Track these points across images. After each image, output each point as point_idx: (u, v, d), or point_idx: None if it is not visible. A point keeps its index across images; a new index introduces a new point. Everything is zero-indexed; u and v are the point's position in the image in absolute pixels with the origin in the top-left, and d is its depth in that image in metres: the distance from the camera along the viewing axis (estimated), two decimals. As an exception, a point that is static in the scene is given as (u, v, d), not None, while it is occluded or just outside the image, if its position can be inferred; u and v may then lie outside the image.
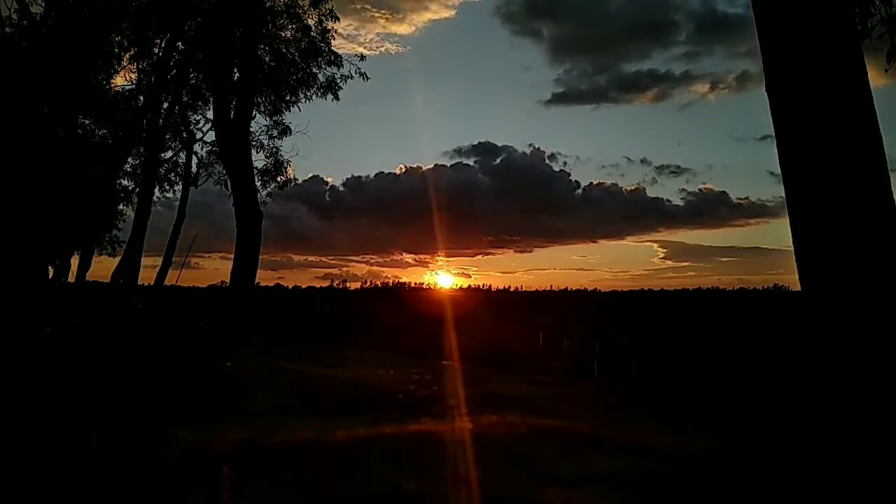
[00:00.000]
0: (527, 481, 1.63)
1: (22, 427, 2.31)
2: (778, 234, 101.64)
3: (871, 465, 2.01)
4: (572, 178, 69.88)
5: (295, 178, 21.49)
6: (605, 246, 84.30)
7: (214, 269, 66.12)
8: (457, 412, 2.59)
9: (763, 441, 2.36)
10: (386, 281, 39.03)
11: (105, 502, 1.47)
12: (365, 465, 1.75)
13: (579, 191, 64.40)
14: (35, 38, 16.11)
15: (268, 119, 19.20)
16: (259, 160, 19.43)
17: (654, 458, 1.91)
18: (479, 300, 20.36)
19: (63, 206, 17.05)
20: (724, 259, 77.44)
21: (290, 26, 16.47)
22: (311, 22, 16.49)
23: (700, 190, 70.56)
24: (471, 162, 75.29)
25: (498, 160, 67.37)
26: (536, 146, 73.06)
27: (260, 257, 14.82)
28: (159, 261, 22.07)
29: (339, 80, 17.14)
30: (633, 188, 68.40)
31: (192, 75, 19.15)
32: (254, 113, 16.62)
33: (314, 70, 17.14)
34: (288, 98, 17.75)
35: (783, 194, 4.26)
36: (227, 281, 15.12)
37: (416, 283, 37.25)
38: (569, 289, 32.90)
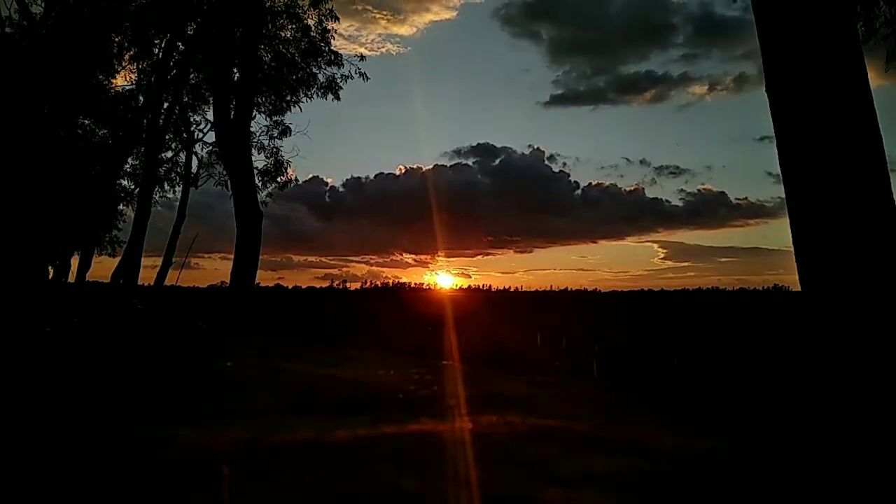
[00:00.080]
0: (527, 481, 1.63)
1: (22, 427, 2.31)
2: (777, 234, 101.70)
3: (870, 464, 2.01)
4: (572, 178, 70.06)
5: (295, 179, 21.58)
6: (604, 246, 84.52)
7: (214, 269, 66.32)
8: (457, 412, 2.59)
9: (763, 441, 2.36)
10: (386, 281, 39.19)
11: (105, 502, 1.47)
12: (365, 465, 1.75)
13: (579, 191, 64.58)
14: (35, 38, 16.11)
15: (268, 119, 19.28)
16: (259, 160, 19.52)
17: (654, 458, 1.91)
18: (479, 300, 20.38)
19: (63, 207, 17.06)
20: (723, 259, 77.61)
21: (290, 26, 16.48)
22: (311, 22, 16.51)
23: (699, 190, 70.79)
24: (470, 162, 75.29)
25: (497, 161, 67.50)
26: (536, 147, 73.29)
27: (260, 257, 14.86)
28: (159, 261, 22.15)
29: (339, 80, 17.19)
30: (632, 189, 68.52)
31: (192, 75, 19.18)
32: (254, 113, 16.65)
33: (314, 70, 17.17)
34: (288, 98, 17.76)
35: (782, 195, 4.27)
36: (227, 281, 15.15)
37: (416, 284, 37.39)
38: (569, 289, 32.98)
